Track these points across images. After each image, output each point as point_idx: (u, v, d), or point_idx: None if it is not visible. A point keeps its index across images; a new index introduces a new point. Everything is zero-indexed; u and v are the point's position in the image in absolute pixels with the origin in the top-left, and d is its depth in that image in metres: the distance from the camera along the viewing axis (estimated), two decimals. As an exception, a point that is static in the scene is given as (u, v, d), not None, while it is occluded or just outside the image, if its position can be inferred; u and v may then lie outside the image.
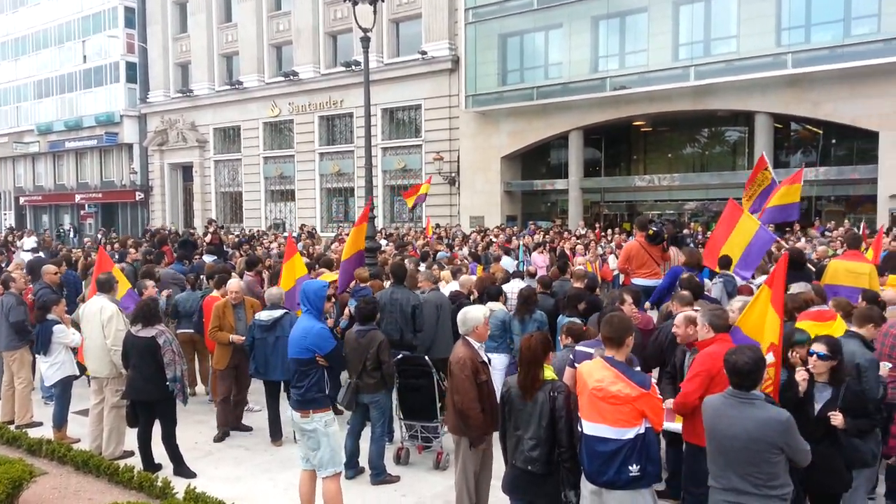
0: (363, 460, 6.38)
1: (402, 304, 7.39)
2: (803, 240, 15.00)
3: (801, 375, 4.47)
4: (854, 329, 5.14)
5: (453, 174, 27.45)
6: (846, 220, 19.76)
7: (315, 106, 31.46)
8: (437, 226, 23.17)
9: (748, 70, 20.23)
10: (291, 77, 31.48)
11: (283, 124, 33.46)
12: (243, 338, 7.47)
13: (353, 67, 28.00)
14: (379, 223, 27.85)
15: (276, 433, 7.36)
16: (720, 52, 21.12)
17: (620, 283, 12.10)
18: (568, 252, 15.09)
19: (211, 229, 17.56)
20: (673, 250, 10.24)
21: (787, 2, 19.80)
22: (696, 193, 25.04)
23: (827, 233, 16.35)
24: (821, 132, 22.07)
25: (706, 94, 21.44)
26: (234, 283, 7.95)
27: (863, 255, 8.49)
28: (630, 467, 3.81)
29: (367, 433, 6.44)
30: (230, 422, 7.71)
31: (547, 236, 18.83)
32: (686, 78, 21.31)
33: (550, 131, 25.03)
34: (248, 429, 7.80)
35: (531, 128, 25.34)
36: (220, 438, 7.49)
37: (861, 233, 11.57)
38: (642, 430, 3.86)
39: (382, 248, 14.02)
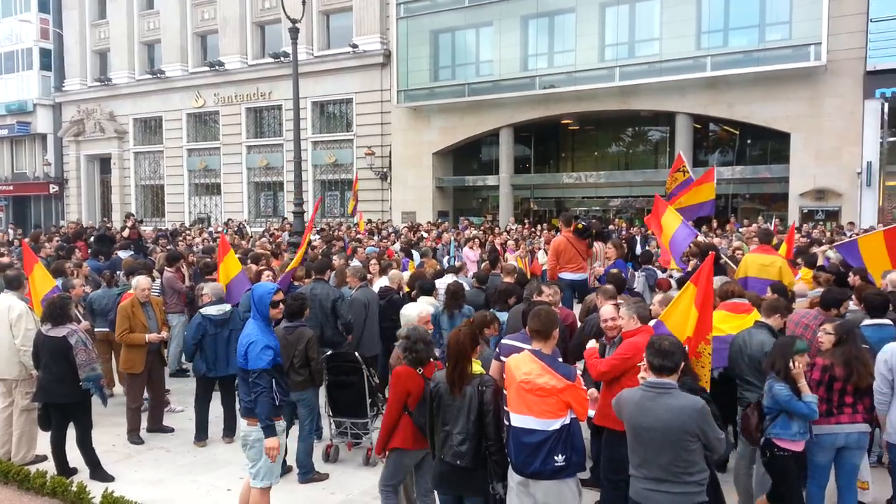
0: (291, 459, 6.26)
1: (322, 299, 7.30)
2: (716, 238, 15.63)
3: None
4: (763, 320, 5.38)
5: (385, 169, 27.31)
6: (760, 217, 20.78)
7: (242, 97, 30.64)
8: (370, 221, 23.00)
9: (669, 72, 20.98)
10: (217, 67, 30.55)
11: (209, 116, 32.45)
12: (163, 335, 7.18)
13: (283, 59, 27.43)
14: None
15: (201, 434, 7.13)
16: (643, 54, 21.80)
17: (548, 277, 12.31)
18: (499, 247, 15.27)
19: (129, 224, 16.80)
20: (598, 245, 10.49)
21: (706, 7, 20.63)
22: (621, 190, 25.81)
23: (741, 229, 17.10)
24: (737, 133, 23.11)
25: (630, 95, 22.10)
26: (143, 280, 7.52)
27: (773, 250, 8.94)
28: (556, 457, 3.89)
29: (294, 432, 6.32)
30: (150, 424, 7.44)
31: (479, 231, 19.00)
32: (612, 78, 21.90)
33: (481, 128, 25.25)
34: (170, 430, 7.53)
35: (462, 124, 25.49)
36: (136, 442, 7.19)
37: (773, 228, 12.16)
38: (567, 421, 3.95)
39: (313, 244, 13.78)
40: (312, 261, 10.52)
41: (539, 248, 16.07)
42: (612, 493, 4.78)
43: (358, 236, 17.19)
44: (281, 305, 5.12)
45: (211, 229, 23.84)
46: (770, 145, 22.11)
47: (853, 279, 7.88)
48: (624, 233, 18.75)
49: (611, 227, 20.50)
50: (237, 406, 5.21)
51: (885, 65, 18.34)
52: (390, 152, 27.20)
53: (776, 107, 20.08)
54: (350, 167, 28.25)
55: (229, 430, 7.11)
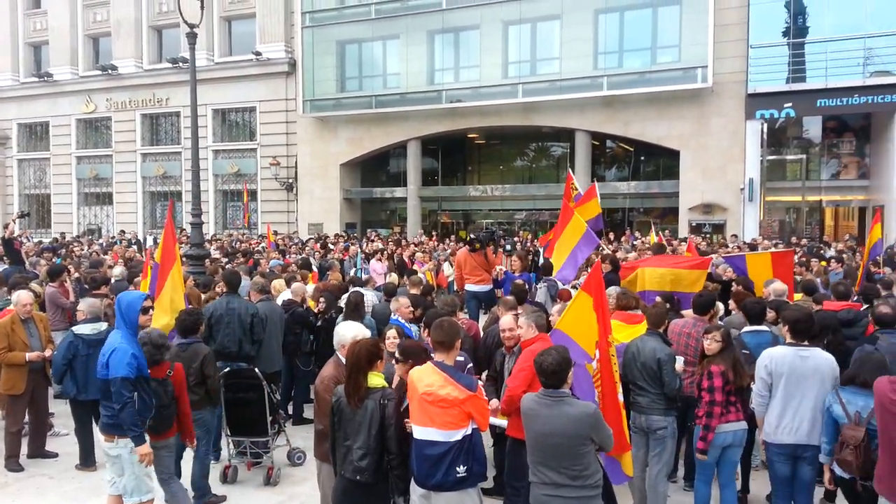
0: (186, 481, 5.97)
1: (241, 313, 7.04)
2: (609, 247, 16.29)
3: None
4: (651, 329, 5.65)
5: (291, 180, 26.78)
6: (652, 230, 21.87)
7: (137, 103, 29.27)
8: (276, 233, 22.46)
9: (569, 90, 21.80)
10: (110, 71, 29.06)
11: (100, 121, 30.79)
12: (47, 353, 6.70)
13: (181, 64, 26.43)
14: (210, 229, 26.53)
15: (87, 459, 6.68)
16: (545, 72, 22.57)
17: (455, 289, 12.43)
18: (406, 260, 15.30)
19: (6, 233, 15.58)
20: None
21: (602, 28, 21.63)
22: (525, 203, 26.48)
23: (635, 242, 17.92)
24: (632, 150, 24.28)
25: (533, 111, 22.78)
26: (24, 295, 6.99)
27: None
28: (457, 468, 3.91)
29: (189, 453, 6.03)
30: (32, 450, 6.90)
31: (389, 243, 18.93)
32: (515, 95, 22.50)
33: (389, 140, 25.27)
34: (53, 455, 7.02)
35: (370, 136, 25.41)
36: (15, 469, 6.66)
37: (664, 241, 12.83)
38: (469, 432, 3.98)
39: (212, 257, 13.29)
40: (212, 274, 10.17)
41: (445, 261, 16.21)
42: (514, 499, 4.85)
43: (261, 247, 16.79)
44: (151, 312, 4.99)
45: (101, 241, 22.57)
46: (662, 162, 23.35)
47: (735, 288, 8.44)
48: (528, 245, 19.23)
49: (515, 239, 20.99)
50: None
51: (764, 88, 19.83)
52: (296, 163, 26.71)
53: (667, 125, 21.26)
54: (254, 177, 27.52)
55: (85, 460, 6.73)
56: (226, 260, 13.86)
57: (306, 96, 25.53)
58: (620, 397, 4.83)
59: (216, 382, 5.84)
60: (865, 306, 6.86)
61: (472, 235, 10.41)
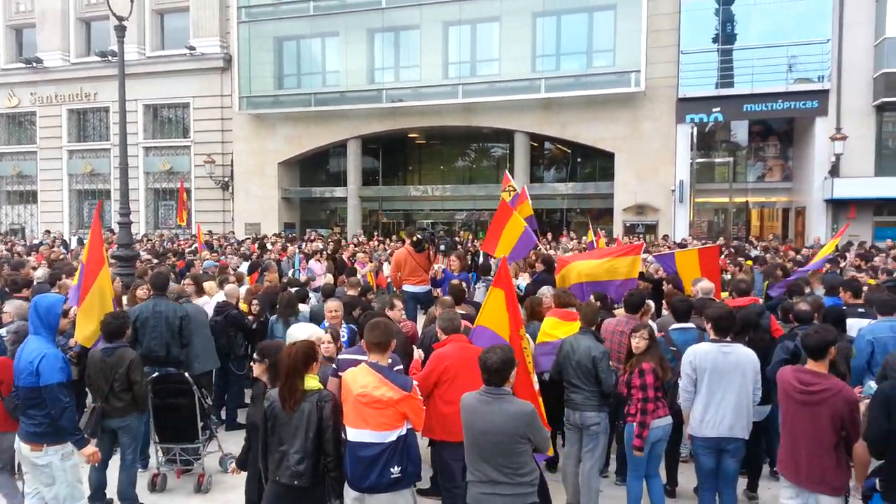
0: (112, 491, 5.76)
1: (168, 316, 6.83)
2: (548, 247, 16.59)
3: None
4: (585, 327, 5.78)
5: (226, 178, 26.16)
6: (589, 230, 22.32)
7: (63, 98, 28.05)
8: (210, 233, 21.88)
9: (508, 92, 22.06)
10: (34, 64, 27.73)
11: (24, 116, 29.34)
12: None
13: (110, 58, 25.41)
14: (140, 229, 25.68)
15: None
16: (484, 74, 22.76)
17: (393, 289, 12.40)
18: (346, 260, 15.14)
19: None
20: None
21: (540, 32, 21.97)
22: (466, 204, 26.63)
23: (572, 243, 18.24)
24: (570, 151, 24.74)
25: (473, 112, 22.94)
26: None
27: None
28: (392, 469, 3.91)
29: (116, 462, 5.82)
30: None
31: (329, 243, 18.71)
32: (455, 95, 22.61)
33: (329, 139, 24.99)
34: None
35: (309, 134, 25.07)
36: None
37: (595, 241, 13.11)
38: (404, 432, 3.99)
39: (141, 257, 12.85)
40: (142, 276, 9.83)
41: (385, 261, 16.14)
42: (447, 500, 4.89)
43: (193, 248, 16.34)
44: (71, 314, 4.83)
45: (25, 242, 21.53)
46: (598, 163, 23.88)
47: (666, 287, 8.72)
48: (469, 245, 19.36)
49: (456, 239, 21.12)
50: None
51: (694, 93, 20.54)
52: (232, 161, 26.11)
53: (602, 128, 21.76)
54: (187, 175, 26.75)
55: None
56: (156, 261, 13.42)
57: (242, 93, 24.99)
58: (536, 386, 4.94)
59: (143, 388, 5.64)
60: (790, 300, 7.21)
61: (417, 235, 10.39)
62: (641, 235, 20.50)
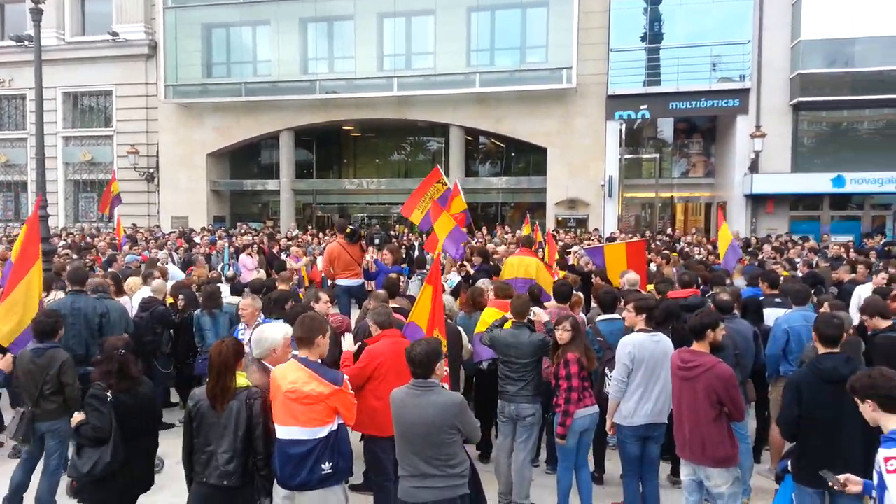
0: (31, 497, 5.47)
1: (88, 313, 6.52)
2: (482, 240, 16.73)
3: None
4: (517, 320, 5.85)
5: (152, 170, 25.23)
6: (526, 224, 22.65)
7: (-26, 83, 26.41)
8: (134, 226, 21.08)
9: (443, 86, 22.09)
10: (-60, 46, 25.98)
11: (-71, 102, 27.49)
12: None
13: (26, 43, 24.01)
14: (59, 222, 24.50)
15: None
16: (419, 67, 22.70)
17: (329, 284, 12.27)
18: (277, 254, 14.85)
19: None
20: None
21: (475, 26, 22.08)
22: (402, 197, 26.27)
23: (507, 235, 18.49)
24: (504, 146, 25.01)
25: (408, 105, 22.87)
26: None
27: (533, 253, 9.82)
28: (322, 465, 3.86)
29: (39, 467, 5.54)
30: None
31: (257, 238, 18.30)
32: (390, 88, 22.48)
33: (260, 130, 24.43)
34: None
35: (239, 125, 24.44)
36: None
37: (533, 234, 13.34)
38: (335, 427, 3.94)
39: (59, 252, 12.25)
40: (59, 272, 9.37)
41: (319, 255, 15.93)
42: (380, 495, 4.88)
43: (113, 242, 15.71)
44: None
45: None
46: (532, 158, 24.24)
47: (595, 280, 8.95)
48: (404, 238, 19.32)
49: (391, 232, 21.05)
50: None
51: (623, 90, 21.09)
52: (157, 151, 25.19)
53: (535, 123, 22.08)
54: (110, 166, 25.65)
55: None
56: (76, 256, 12.83)
57: (168, 81, 24.13)
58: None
59: (75, 391, 5.32)
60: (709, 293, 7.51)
61: (351, 227, 10.29)
62: (573, 229, 20.96)
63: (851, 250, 13.94)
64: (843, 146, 20.72)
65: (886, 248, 14.91)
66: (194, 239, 17.25)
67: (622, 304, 6.32)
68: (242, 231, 20.20)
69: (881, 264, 11.07)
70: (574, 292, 7.21)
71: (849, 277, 9.41)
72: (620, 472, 5.72)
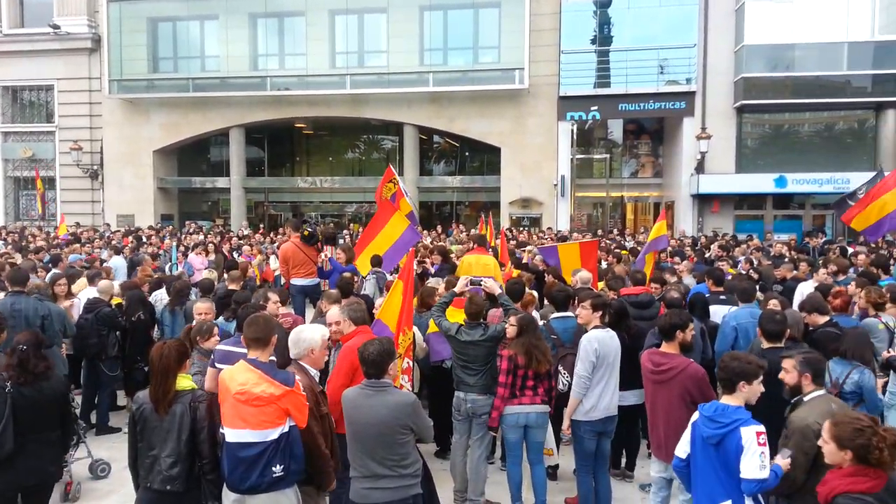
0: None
1: (29, 315, 6.31)
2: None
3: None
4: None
5: (96, 167, 24.44)
6: (481, 223, 22.78)
7: None
8: (77, 224, 20.39)
9: (397, 84, 22.02)
10: None
11: None
12: None
13: (-41, 33, 23.05)
14: (-2, 221, 23.56)
15: None
16: (373, 65, 22.59)
17: (282, 283, 12.09)
18: (226, 253, 14.58)
19: None
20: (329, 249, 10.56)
21: (428, 26, 22.07)
22: (356, 196, 26.38)
23: (461, 234, 18.56)
24: (458, 145, 25.08)
25: (361, 103, 22.72)
26: None
27: (486, 251, 9.90)
28: (274, 468, 3.79)
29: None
30: None
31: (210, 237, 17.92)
32: (343, 86, 22.29)
33: (209, 126, 23.93)
34: None
35: (187, 121, 23.88)
36: None
37: (488, 233, 13.44)
38: (286, 429, 3.87)
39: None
40: (-3, 271, 9.00)
41: (272, 254, 15.69)
42: (333, 497, 4.81)
43: (57, 242, 15.18)
44: None
45: None
46: (486, 158, 24.38)
47: (548, 279, 9.04)
48: (358, 238, 19.15)
49: (345, 231, 20.89)
50: None
51: (574, 92, 21.40)
52: (102, 148, 24.41)
53: (488, 123, 22.22)
54: (52, 163, 24.76)
55: None
56: (18, 255, 12.34)
57: (113, 76, 23.41)
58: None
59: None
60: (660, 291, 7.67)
61: (308, 229, 10.15)
62: (527, 228, 21.16)
63: (793, 249, 14.45)
64: (785, 148, 21.48)
65: (826, 247, 15.52)
66: (142, 238, 16.79)
67: (575, 302, 6.39)
68: (191, 230, 19.77)
69: (821, 261, 11.52)
70: (528, 290, 7.27)
71: (791, 275, 9.73)
72: (573, 468, 5.80)
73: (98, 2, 23.73)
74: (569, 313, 6.36)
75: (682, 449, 3.94)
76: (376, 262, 10.04)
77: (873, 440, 3.01)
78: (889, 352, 5.19)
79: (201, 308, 6.29)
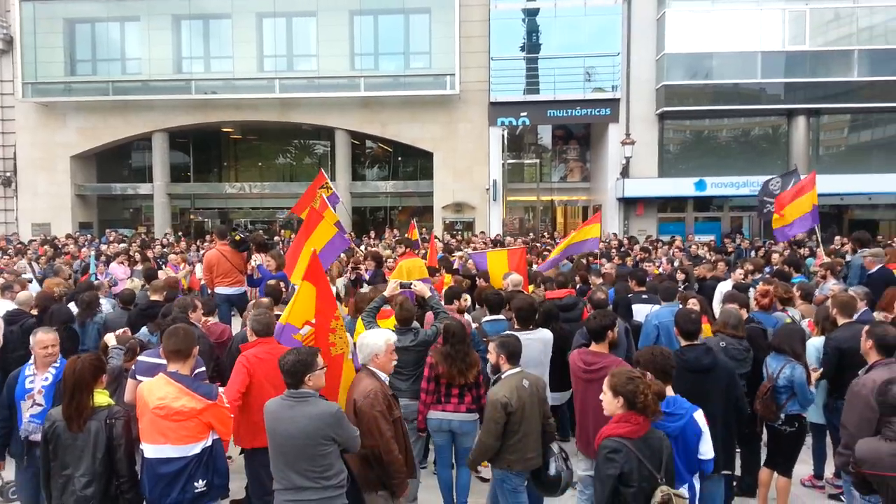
0: None
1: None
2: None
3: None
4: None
5: (8, 174, 23.17)
6: (414, 228, 22.76)
7: None
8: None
9: (327, 89, 21.80)
10: None
11: None
12: None
13: None
14: None
15: None
16: (302, 69, 22.29)
17: (207, 292, 11.76)
18: (152, 262, 14.06)
19: None
20: (260, 256, 10.33)
21: (358, 30, 21.95)
22: (287, 202, 25.82)
23: (391, 239, 18.50)
24: (391, 150, 25.01)
25: (291, 108, 22.37)
26: None
27: (415, 254, 9.94)
28: (196, 483, 3.69)
29: None
30: None
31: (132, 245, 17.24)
32: (272, 90, 21.90)
33: (130, 131, 23.05)
34: None
35: (107, 126, 22.94)
36: None
37: (416, 238, 13.47)
38: (209, 444, 3.77)
39: None
40: None
41: (198, 262, 15.24)
42: (263, 509, 4.72)
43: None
44: None
45: None
46: (419, 163, 24.40)
47: (480, 283, 9.12)
48: (290, 244, 18.81)
49: (276, 238, 20.51)
50: None
51: (504, 98, 21.69)
52: (14, 154, 23.15)
53: (420, 128, 22.27)
54: (-42, 170, 23.30)
55: None
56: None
57: (27, 79, 22.24)
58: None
59: None
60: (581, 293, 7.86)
61: (239, 235, 9.87)
62: (460, 232, 21.30)
63: (711, 249, 15.06)
64: (705, 153, 22.40)
65: (743, 247, 16.26)
66: (58, 246, 16.00)
67: (508, 305, 6.48)
68: (111, 238, 18.97)
69: (739, 262, 12.08)
70: (463, 295, 7.32)
71: (711, 274, 10.15)
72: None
73: (9, 1, 22.53)
74: (501, 316, 6.44)
75: None
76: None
77: (640, 387, 3.43)
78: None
79: (45, 341, 4.96)
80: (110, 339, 5.09)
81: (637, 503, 3.35)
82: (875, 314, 6.41)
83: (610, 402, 3.53)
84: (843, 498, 5.02)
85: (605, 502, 3.39)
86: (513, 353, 4.61)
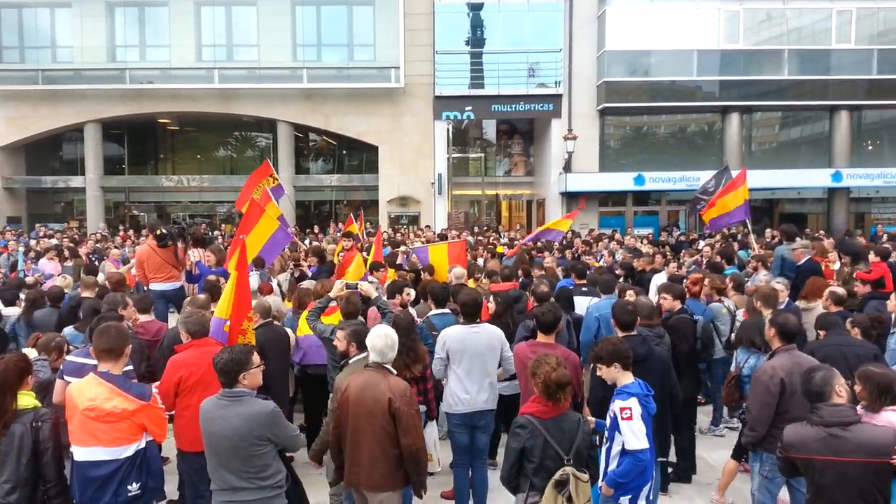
0: None
1: None
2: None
3: None
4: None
5: (-74, 165, 21.91)
6: (356, 222, 22.56)
7: None
8: None
9: (269, 80, 21.40)
10: None
11: None
12: None
13: None
14: None
15: None
16: (243, 59, 21.81)
17: (143, 289, 11.39)
18: (84, 257, 13.54)
19: None
20: (199, 251, 10.06)
21: (300, 20, 21.61)
22: (228, 196, 25.20)
23: (337, 234, 18.31)
24: (336, 143, 24.73)
25: (231, 99, 21.85)
26: None
27: (357, 249, 9.88)
28: (129, 486, 3.58)
29: None
30: None
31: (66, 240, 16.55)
32: (211, 80, 21.36)
33: (61, 121, 22.11)
34: None
35: (36, 115, 21.94)
36: None
37: (356, 231, 13.37)
38: (143, 445, 3.66)
39: None
40: None
41: (132, 256, 14.73)
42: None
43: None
44: None
45: None
46: (364, 156, 24.21)
47: (424, 277, 9.13)
48: (231, 238, 18.42)
49: (216, 232, 20.04)
50: None
51: (449, 92, 21.71)
52: (-66, 145, 21.93)
53: (365, 121, 22.09)
54: None
55: None
56: None
57: (-54, 65, 21.07)
58: None
59: None
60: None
61: (162, 230, 9.56)
62: (405, 226, 21.23)
63: (650, 242, 15.46)
64: (644, 148, 22.96)
65: (680, 240, 16.76)
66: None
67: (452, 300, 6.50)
68: (41, 233, 18.17)
69: (684, 253, 12.48)
70: (406, 289, 7.31)
71: (649, 267, 10.42)
72: (451, 461, 5.88)
73: (-75, -19, 21.29)
74: (446, 310, 6.45)
75: (641, 441, 3.97)
76: (259, 263, 9.71)
77: (538, 372, 3.67)
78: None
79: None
80: (31, 353, 4.78)
81: (538, 478, 3.59)
82: (797, 303, 6.71)
83: (528, 383, 3.82)
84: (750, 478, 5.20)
85: (509, 472, 3.70)
86: (361, 341, 4.47)
